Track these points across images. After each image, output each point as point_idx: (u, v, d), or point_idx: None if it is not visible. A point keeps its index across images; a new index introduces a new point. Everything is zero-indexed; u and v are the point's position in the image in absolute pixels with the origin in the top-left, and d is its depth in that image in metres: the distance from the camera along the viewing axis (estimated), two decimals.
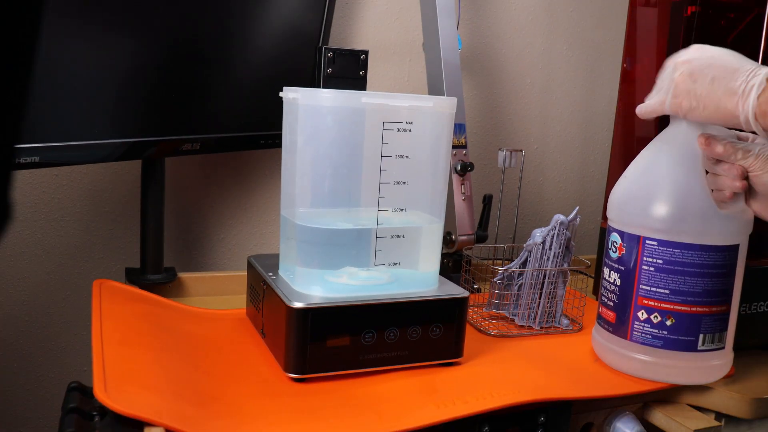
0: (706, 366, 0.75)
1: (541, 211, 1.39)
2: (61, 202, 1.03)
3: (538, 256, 0.91)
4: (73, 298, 1.06)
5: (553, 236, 0.90)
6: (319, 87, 0.98)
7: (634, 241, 0.74)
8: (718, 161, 0.70)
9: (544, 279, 0.91)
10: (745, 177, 0.69)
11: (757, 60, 0.83)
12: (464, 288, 0.78)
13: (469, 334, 0.81)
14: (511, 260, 0.95)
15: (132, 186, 1.06)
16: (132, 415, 0.57)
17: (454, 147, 1.03)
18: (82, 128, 0.79)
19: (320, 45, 1.03)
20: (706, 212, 0.71)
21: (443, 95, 1.02)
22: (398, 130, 0.72)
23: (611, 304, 0.78)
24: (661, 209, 0.72)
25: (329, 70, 0.97)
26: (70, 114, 0.77)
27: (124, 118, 0.84)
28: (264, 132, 1.02)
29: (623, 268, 0.76)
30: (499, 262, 1.02)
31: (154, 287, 0.94)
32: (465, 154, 1.05)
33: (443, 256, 1.01)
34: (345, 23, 1.15)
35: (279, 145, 0.91)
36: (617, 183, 0.79)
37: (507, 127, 1.32)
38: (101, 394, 0.59)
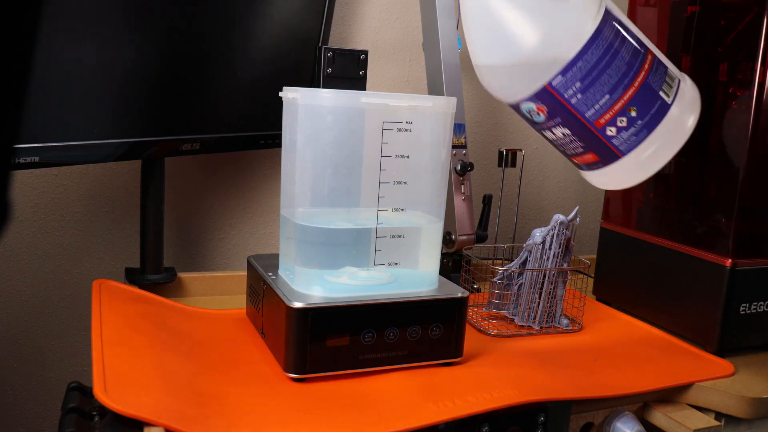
0: (688, 102, 0.72)
1: (541, 211, 1.39)
2: (61, 202, 1.03)
3: (538, 256, 0.91)
4: (73, 298, 1.06)
5: (552, 236, 0.90)
6: (318, 87, 0.98)
7: (544, 94, 0.70)
8: None
9: (543, 279, 0.91)
10: None
11: (756, 60, 0.83)
12: (464, 288, 0.78)
13: (469, 334, 0.81)
14: (511, 260, 0.95)
15: (132, 186, 1.06)
16: (132, 415, 0.57)
17: (454, 147, 1.03)
18: (82, 128, 0.79)
19: (320, 45, 1.03)
20: (560, 14, 0.67)
21: (443, 95, 1.02)
22: (398, 130, 0.72)
23: (581, 150, 0.74)
24: (532, 50, 0.67)
25: (329, 70, 0.97)
26: (70, 114, 0.77)
27: (124, 118, 0.84)
28: (264, 132, 1.02)
29: (560, 119, 0.71)
30: (499, 262, 1.03)
31: (154, 287, 0.94)
32: (465, 154, 1.05)
33: (443, 256, 1.01)
34: (345, 23, 1.15)
35: (279, 145, 0.91)
36: (480, 66, 0.73)
37: (507, 127, 1.32)
38: (101, 394, 0.59)
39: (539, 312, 0.92)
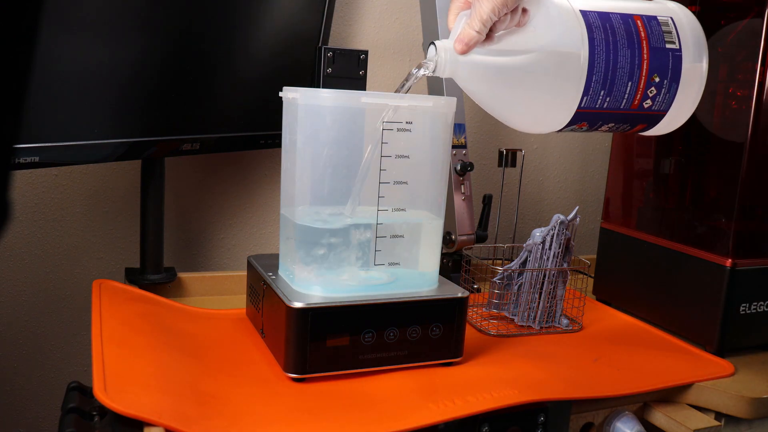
0: (698, 41, 0.75)
1: (541, 211, 1.39)
2: (61, 202, 1.03)
3: (538, 255, 0.91)
4: (73, 298, 1.06)
5: (552, 236, 0.90)
6: (318, 87, 0.98)
7: (579, 116, 0.72)
8: (490, 34, 0.67)
9: (543, 279, 0.91)
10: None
11: (756, 60, 0.83)
12: (464, 288, 0.78)
13: (469, 334, 0.81)
14: (511, 260, 0.95)
15: (132, 186, 1.06)
16: (132, 415, 0.57)
17: (454, 147, 1.03)
18: (82, 128, 0.79)
19: (320, 45, 1.03)
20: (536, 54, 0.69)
21: (443, 95, 1.02)
22: (398, 130, 0.72)
23: (630, 127, 0.77)
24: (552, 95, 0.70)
25: (329, 70, 0.97)
26: (70, 114, 0.77)
27: (124, 118, 0.84)
28: (264, 132, 1.02)
29: (601, 121, 0.74)
30: (499, 262, 1.02)
31: (154, 287, 0.94)
32: (465, 154, 1.05)
33: (443, 256, 1.01)
34: (345, 23, 1.15)
35: (279, 145, 0.91)
36: (515, 123, 0.76)
37: (507, 127, 1.31)
38: (101, 394, 0.59)
39: (539, 312, 0.91)
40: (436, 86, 1.05)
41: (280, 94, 0.76)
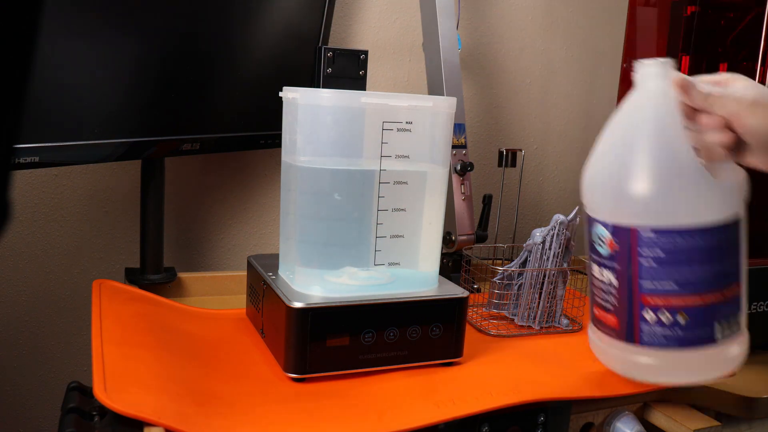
0: (726, 357, 0.67)
1: (541, 211, 1.39)
2: (61, 202, 1.03)
3: (538, 256, 0.91)
4: (73, 298, 1.06)
5: (552, 236, 0.90)
6: (318, 87, 0.98)
7: (625, 235, 0.65)
8: (696, 112, 0.61)
9: (543, 279, 0.91)
10: (730, 128, 0.60)
11: (756, 60, 0.83)
12: (464, 288, 0.78)
13: (469, 334, 0.81)
14: (511, 260, 0.95)
15: (132, 186, 1.06)
16: (132, 415, 0.57)
17: (454, 147, 1.03)
18: (82, 128, 0.79)
19: (320, 45, 1.03)
20: (699, 182, 0.63)
21: (443, 95, 1.02)
22: (398, 130, 0.72)
23: (610, 307, 0.68)
24: (646, 186, 0.63)
25: (329, 70, 0.97)
26: (71, 114, 0.77)
27: (124, 118, 0.84)
28: (264, 132, 1.02)
29: (619, 267, 0.66)
30: (499, 262, 1.02)
31: (154, 287, 0.94)
32: (465, 154, 1.05)
33: (443, 256, 1.01)
34: (345, 23, 1.15)
35: (279, 145, 0.91)
36: (592, 161, 0.70)
37: (507, 127, 1.32)
38: (101, 394, 0.59)
39: (539, 312, 0.91)
40: (436, 86, 1.05)
41: (280, 94, 0.76)
